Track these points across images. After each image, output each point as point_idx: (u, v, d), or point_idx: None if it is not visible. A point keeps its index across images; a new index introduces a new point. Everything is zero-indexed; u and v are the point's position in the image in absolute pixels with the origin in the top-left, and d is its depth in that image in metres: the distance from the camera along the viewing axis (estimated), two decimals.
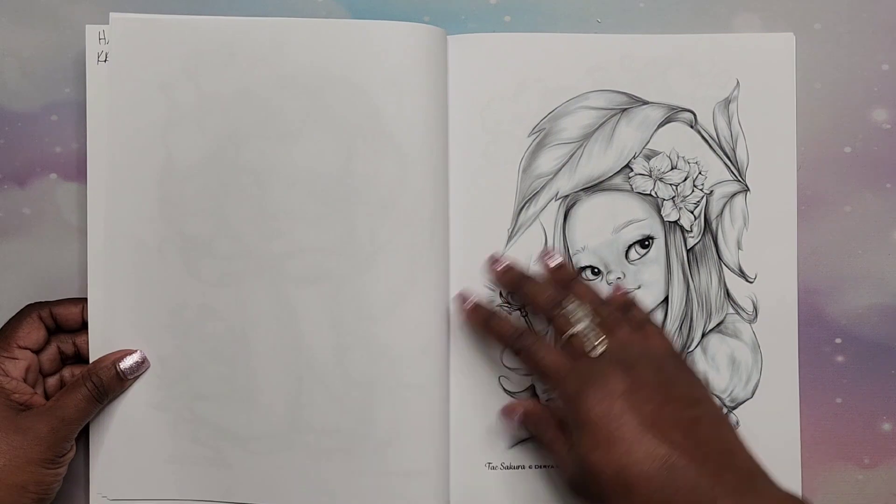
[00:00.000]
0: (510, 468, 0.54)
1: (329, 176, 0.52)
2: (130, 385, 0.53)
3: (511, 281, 0.52)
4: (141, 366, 0.52)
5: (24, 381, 0.51)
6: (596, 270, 0.54)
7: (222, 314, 0.52)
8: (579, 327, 0.48)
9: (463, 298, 0.52)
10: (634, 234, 0.54)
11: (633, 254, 0.54)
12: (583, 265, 0.54)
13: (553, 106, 0.54)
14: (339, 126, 0.52)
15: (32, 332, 0.51)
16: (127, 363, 0.52)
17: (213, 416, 0.53)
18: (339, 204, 0.52)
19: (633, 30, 0.55)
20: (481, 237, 0.54)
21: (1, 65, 0.55)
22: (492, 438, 0.54)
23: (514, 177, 0.54)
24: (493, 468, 0.54)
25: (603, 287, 0.54)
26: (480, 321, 0.52)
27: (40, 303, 0.52)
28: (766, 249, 0.54)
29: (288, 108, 0.52)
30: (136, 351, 0.52)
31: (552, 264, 0.53)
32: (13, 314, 0.52)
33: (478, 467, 0.54)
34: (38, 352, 0.52)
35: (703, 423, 0.45)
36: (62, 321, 0.52)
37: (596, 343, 0.47)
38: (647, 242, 0.54)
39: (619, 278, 0.54)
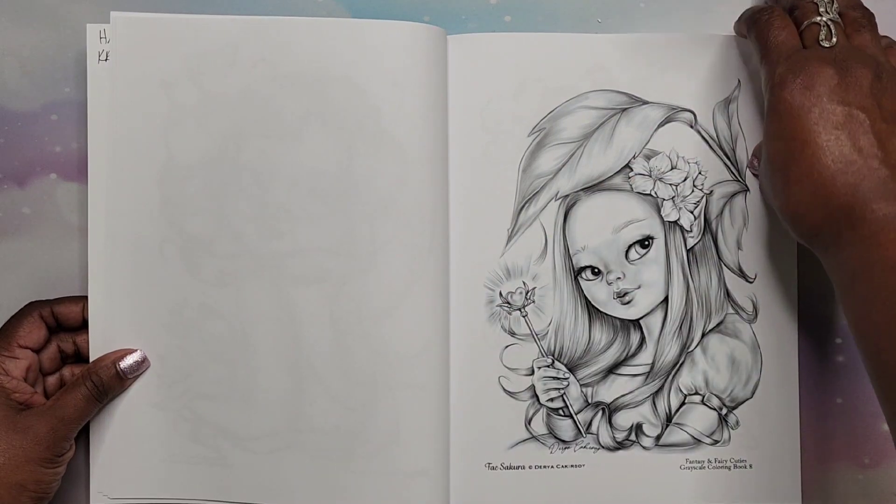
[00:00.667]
0: (510, 468, 0.54)
1: (329, 175, 0.52)
2: (131, 384, 0.53)
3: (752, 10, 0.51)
4: (141, 365, 0.52)
5: (25, 380, 0.50)
6: (596, 270, 0.54)
7: (223, 314, 0.52)
8: (822, 18, 0.47)
9: None
10: (634, 233, 0.54)
11: (633, 254, 0.54)
12: (583, 265, 0.54)
13: (553, 106, 0.54)
14: (340, 126, 0.52)
15: (33, 331, 0.51)
16: (127, 362, 0.52)
17: (214, 416, 0.53)
18: (340, 204, 0.52)
19: (633, 30, 0.55)
20: (481, 237, 0.54)
21: (1, 64, 0.55)
22: (492, 438, 0.54)
23: (514, 177, 0.54)
24: (493, 468, 0.54)
25: (604, 288, 0.54)
26: (745, 21, 0.50)
27: (41, 301, 0.52)
28: (766, 249, 0.54)
29: (288, 108, 0.52)
30: (136, 350, 0.52)
31: None
32: (13, 314, 0.52)
33: (478, 467, 0.54)
34: (38, 351, 0.52)
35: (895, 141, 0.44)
36: (63, 320, 0.52)
37: (833, 34, 0.46)
38: (646, 242, 0.54)
39: (618, 278, 0.54)
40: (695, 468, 0.54)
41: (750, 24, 0.50)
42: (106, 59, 0.52)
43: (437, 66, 0.53)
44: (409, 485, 0.52)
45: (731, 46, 0.54)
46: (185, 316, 0.52)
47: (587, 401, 0.54)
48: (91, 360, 0.52)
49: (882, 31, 0.48)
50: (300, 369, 0.52)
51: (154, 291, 0.52)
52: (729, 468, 0.54)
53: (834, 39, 0.46)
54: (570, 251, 0.54)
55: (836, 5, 0.48)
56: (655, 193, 0.54)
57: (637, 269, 0.54)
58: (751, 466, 0.54)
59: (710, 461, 0.54)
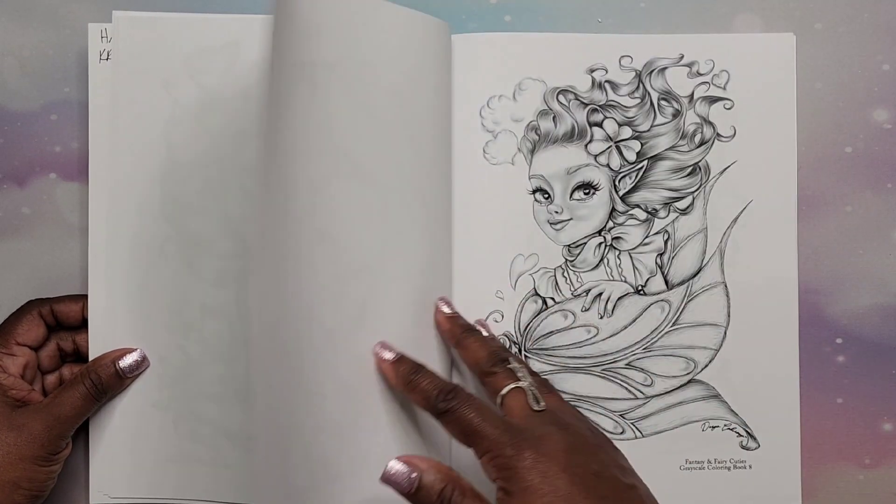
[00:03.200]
0: None
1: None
2: (130, 383, 0.53)
3: (456, 329, 0.51)
4: (141, 364, 0.52)
5: (22, 377, 0.51)
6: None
7: (222, 313, 0.52)
8: (525, 382, 0.46)
9: (383, 348, 0.48)
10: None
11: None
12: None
13: (553, 105, 0.54)
14: (344, 119, 0.51)
15: (32, 329, 0.51)
16: (126, 361, 0.52)
17: (213, 416, 0.53)
18: (343, 205, 0.52)
19: (634, 30, 0.55)
20: (481, 237, 0.54)
21: (1, 64, 0.55)
22: None
23: (514, 176, 0.54)
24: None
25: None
26: (402, 378, 0.47)
27: (41, 299, 0.52)
28: (766, 249, 0.54)
29: (290, 104, 0.52)
30: (135, 349, 0.52)
31: (486, 332, 0.52)
32: (12, 312, 0.52)
33: (477, 467, 0.54)
34: (37, 348, 0.52)
35: (639, 490, 0.44)
36: (62, 318, 0.52)
37: (540, 398, 0.46)
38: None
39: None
40: (694, 468, 0.54)
41: (434, 403, 0.45)
42: (107, 59, 0.53)
43: (442, 59, 0.52)
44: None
45: (731, 46, 0.54)
46: (185, 315, 0.52)
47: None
48: (90, 359, 0.52)
49: (883, 30, 0.48)
50: (296, 372, 0.52)
51: (154, 291, 0.52)
52: (729, 468, 0.54)
53: (542, 403, 0.45)
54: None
55: (524, 368, 0.48)
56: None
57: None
58: (750, 467, 0.54)
59: (709, 461, 0.54)
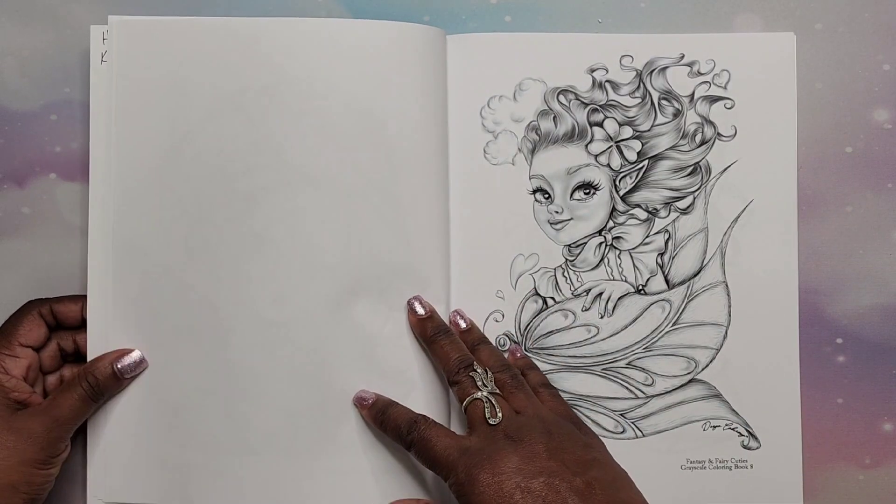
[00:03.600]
0: None
1: (328, 177, 0.52)
2: (128, 384, 0.52)
3: (428, 329, 0.52)
4: (139, 365, 0.52)
5: (25, 379, 0.50)
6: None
7: (222, 315, 0.52)
8: (482, 393, 0.48)
9: (361, 399, 0.51)
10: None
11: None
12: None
13: (553, 105, 0.54)
14: (337, 127, 0.52)
15: (33, 330, 0.51)
16: (124, 362, 0.52)
17: (210, 421, 0.52)
18: (337, 205, 0.52)
19: (634, 30, 0.55)
20: (481, 237, 0.54)
21: (1, 64, 0.55)
22: None
23: (513, 176, 0.54)
24: None
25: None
26: (376, 418, 0.50)
27: (41, 300, 0.52)
28: (767, 249, 0.54)
29: (286, 110, 0.52)
30: (133, 350, 0.52)
31: (462, 326, 0.53)
32: (12, 313, 0.52)
33: None
34: (38, 349, 0.51)
35: (596, 487, 0.44)
36: (62, 318, 0.52)
37: (497, 409, 0.47)
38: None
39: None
40: (695, 468, 0.54)
41: (396, 430, 0.49)
42: (107, 61, 0.52)
43: (435, 66, 0.53)
44: (407, 486, 0.52)
45: (731, 46, 0.54)
46: (184, 317, 0.52)
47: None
48: (88, 360, 0.52)
49: (883, 30, 0.48)
50: (297, 375, 0.52)
51: (153, 292, 0.52)
52: (730, 468, 0.54)
53: (500, 415, 0.47)
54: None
55: (490, 376, 0.49)
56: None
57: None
58: (751, 467, 0.54)
59: (710, 461, 0.54)
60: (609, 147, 0.54)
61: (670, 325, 0.55)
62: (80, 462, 0.53)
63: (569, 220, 0.55)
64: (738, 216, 0.55)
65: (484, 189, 0.54)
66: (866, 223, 0.55)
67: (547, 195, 0.55)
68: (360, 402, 0.51)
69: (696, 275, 0.55)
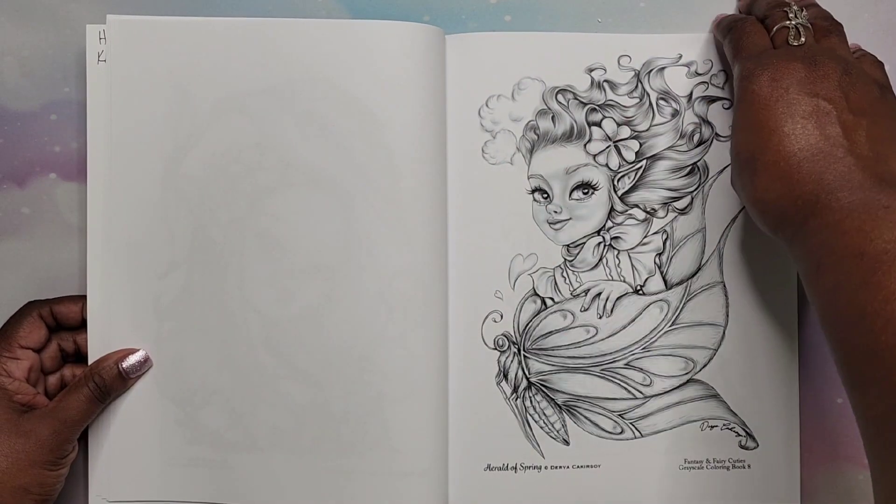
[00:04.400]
0: (509, 469, 0.54)
1: (326, 177, 0.52)
2: (133, 384, 0.53)
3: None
4: (143, 364, 0.52)
5: (27, 380, 0.51)
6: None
7: (222, 314, 0.52)
8: (793, 21, 0.48)
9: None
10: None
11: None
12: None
13: (552, 105, 0.54)
14: (336, 127, 0.52)
15: (34, 332, 0.51)
16: (130, 362, 0.52)
17: (213, 418, 0.52)
18: (336, 204, 0.52)
19: (634, 29, 0.55)
20: (480, 237, 0.54)
21: (1, 64, 0.55)
22: (491, 439, 0.54)
23: (513, 176, 0.54)
24: (492, 469, 0.54)
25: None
26: (722, 28, 0.52)
27: (40, 301, 0.52)
28: (765, 249, 0.54)
29: (285, 110, 0.52)
30: (138, 350, 0.52)
31: None
32: (12, 314, 0.52)
33: (477, 469, 0.54)
34: (39, 351, 0.52)
35: (863, 132, 0.44)
36: (62, 319, 0.52)
37: (801, 35, 0.47)
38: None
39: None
40: (693, 468, 0.54)
41: (725, 30, 0.51)
42: (105, 60, 0.53)
43: (434, 66, 0.53)
44: (407, 485, 0.52)
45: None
46: (184, 316, 0.52)
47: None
48: (90, 360, 0.52)
49: (882, 30, 0.48)
50: (300, 373, 0.52)
51: (153, 291, 0.52)
52: (728, 468, 0.54)
53: (802, 39, 0.47)
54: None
55: (805, 12, 0.49)
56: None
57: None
58: (749, 467, 0.54)
59: (708, 461, 0.54)
60: (607, 147, 0.54)
61: (668, 325, 0.55)
62: (82, 461, 0.53)
63: (567, 219, 0.55)
64: (736, 216, 0.54)
65: (482, 189, 0.54)
66: None
67: (546, 195, 0.55)
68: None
69: (694, 275, 0.55)
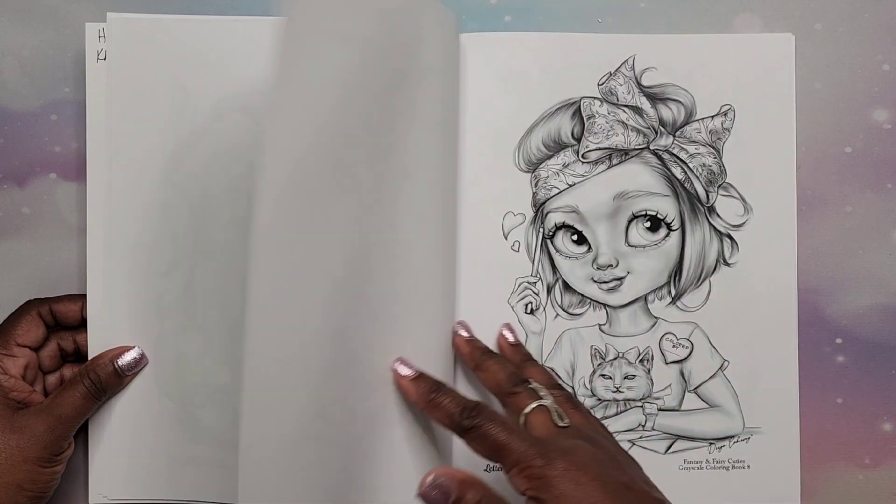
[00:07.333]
0: None
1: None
2: (129, 382, 0.53)
3: (474, 352, 0.51)
4: (139, 362, 0.52)
5: (23, 378, 0.51)
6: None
7: (223, 313, 0.52)
8: (547, 401, 0.46)
9: (401, 364, 0.48)
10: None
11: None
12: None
13: (552, 105, 0.54)
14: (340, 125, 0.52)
15: (31, 330, 0.51)
16: (125, 359, 0.52)
17: (212, 417, 0.53)
18: (338, 203, 0.52)
19: (634, 30, 0.55)
20: (482, 237, 0.54)
21: (1, 64, 0.55)
22: None
23: (512, 175, 0.54)
24: (492, 469, 0.54)
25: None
26: (423, 396, 0.46)
27: (40, 299, 0.52)
28: (766, 249, 0.54)
29: None
30: (133, 347, 0.52)
31: (511, 340, 0.52)
32: (11, 312, 0.52)
33: (477, 470, 0.54)
34: (37, 349, 0.52)
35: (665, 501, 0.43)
36: (62, 318, 0.52)
37: (564, 416, 0.45)
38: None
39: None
40: (693, 468, 0.54)
41: (467, 430, 0.44)
42: (104, 59, 0.53)
43: (452, 50, 0.52)
44: (408, 486, 0.52)
45: (731, 47, 0.54)
46: (184, 316, 0.52)
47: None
48: (89, 358, 0.52)
49: (882, 30, 0.47)
50: (299, 372, 0.52)
51: (153, 291, 0.52)
52: (727, 468, 0.54)
53: (566, 419, 0.45)
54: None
55: (546, 392, 0.47)
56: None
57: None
58: (749, 467, 0.54)
59: (708, 462, 0.54)
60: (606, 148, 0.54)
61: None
62: (82, 459, 0.53)
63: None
64: (737, 216, 0.55)
65: (481, 188, 0.54)
66: (866, 223, 0.55)
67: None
68: (399, 371, 0.48)
69: (697, 278, 0.55)
